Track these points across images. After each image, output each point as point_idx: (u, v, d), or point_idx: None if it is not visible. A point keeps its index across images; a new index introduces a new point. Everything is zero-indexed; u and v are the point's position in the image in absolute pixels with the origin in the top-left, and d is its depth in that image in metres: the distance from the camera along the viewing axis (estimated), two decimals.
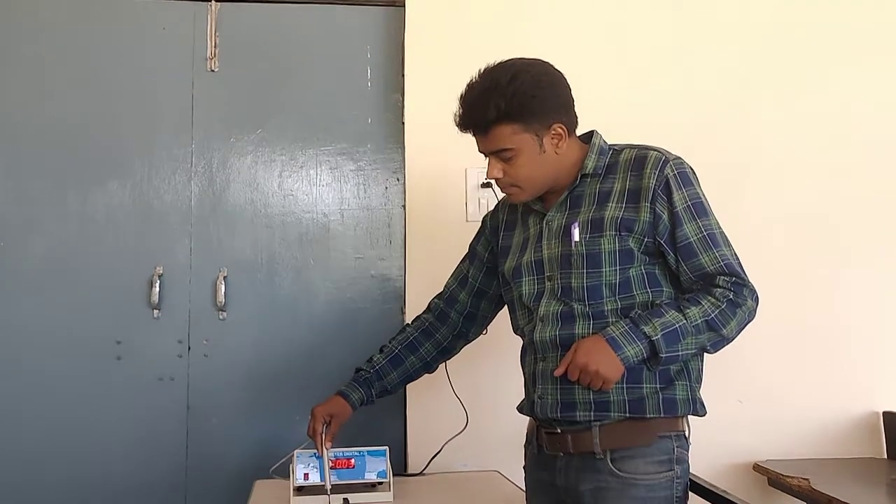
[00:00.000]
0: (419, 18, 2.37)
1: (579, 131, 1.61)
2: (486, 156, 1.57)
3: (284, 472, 1.84)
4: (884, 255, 2.40)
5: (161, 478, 2.27)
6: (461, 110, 1.54)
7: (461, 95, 1.54)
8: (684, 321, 1.45)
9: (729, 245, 1.51)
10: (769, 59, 2.43)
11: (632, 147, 1.58)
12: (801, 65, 2.44)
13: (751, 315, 1.50)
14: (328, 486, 1.72)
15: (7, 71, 2.34)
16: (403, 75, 2.39)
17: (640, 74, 2.39)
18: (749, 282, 1.50)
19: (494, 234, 1.75)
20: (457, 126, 1.55)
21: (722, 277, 1.48)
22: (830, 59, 2.44)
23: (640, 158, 1.54)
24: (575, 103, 1.57)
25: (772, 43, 2.43)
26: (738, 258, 1.51)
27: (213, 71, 2.39)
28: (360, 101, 2.42)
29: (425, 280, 2.21)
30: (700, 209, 1.50)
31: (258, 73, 2.40)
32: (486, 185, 2.31)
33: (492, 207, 1.85)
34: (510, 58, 1.54)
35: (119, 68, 2.37)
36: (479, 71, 1.53)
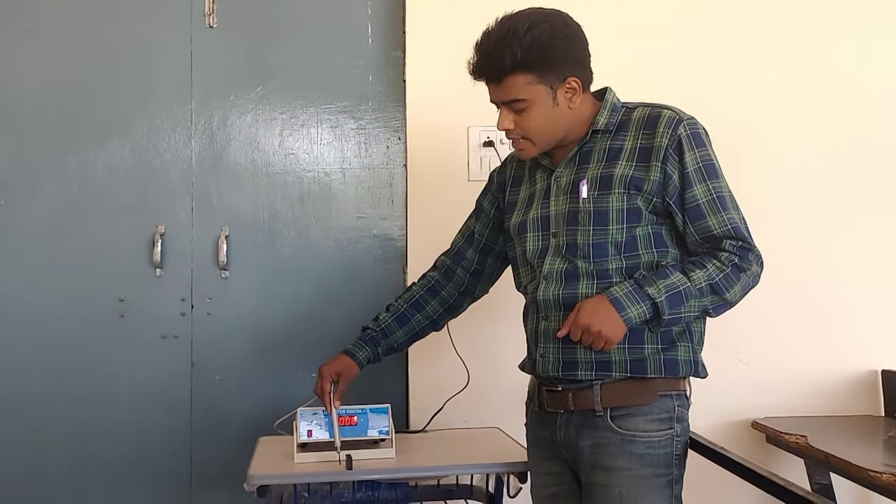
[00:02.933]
0: None
1: (592, 89, 1.59)
2: (497, 106, 1.55)
3: (288, 427, 1.86)
4: (884, 216, 2.39)
5: (165, 434, 2.30)
6: (476, 57, 1.51)
7: (476, 42, 1.51)
8: (688, 284, 1.45)
9: (737, 209, 1.51)
10: (774, 21, 2.39)
11: (645, 105, 1.56)
12: (807, 27, 2.40)
13: (755, 280, 1.50)
14: (338, 444, 1.73)
15: (5, 31, 2.31)
16: (404, 31, 2.35)
17: (644, 34, 2.35)
18: (755, 247, 1.49)
19: (501, 189, 1.74)
20: (470, 74, 1.52)
21: (728, 241, 1.48)
22: (836, 22, 2.40)
23: (653, 117, 1.52)
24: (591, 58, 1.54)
25: (777, 5, 2.39)
26: (745, 222, 1.50)
27: (211, 27, 2.35)
28: (360, 58, 2.39)
29: (427, 239, 2.21)
30: (711, 171, 1.49)
31: (257, 30, 2.37)
32: (489, 144, 2.29)
33: (494, 166, 1.84)
34: (529, 7, 1.51)
35: (117, 25, 2.33)
36: (497, 19, 1.50)
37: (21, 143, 2.31)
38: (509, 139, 1.58)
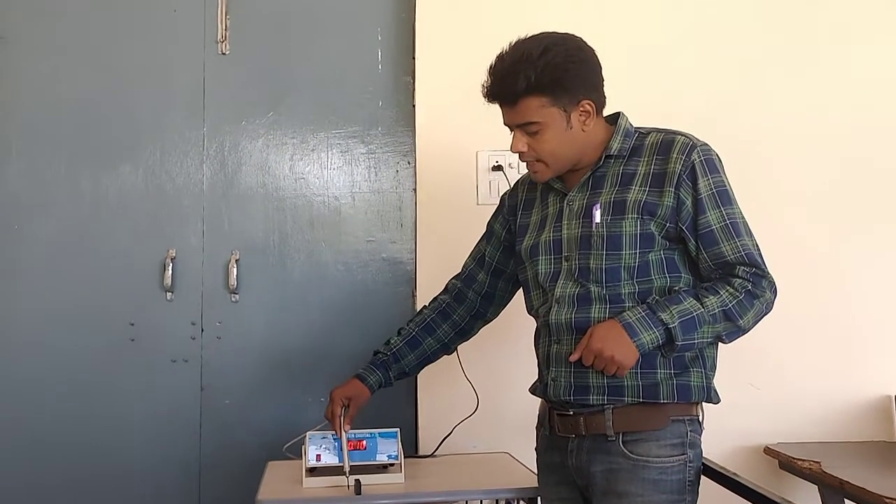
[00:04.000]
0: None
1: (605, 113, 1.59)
2: (511, 129, 1.55)
3: (297, 451, 1.85)
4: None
5: (175, 457, 2.29)
6: (490, 80, 1.52)
7: (490, 66, 1.52)
8: (702, 310, 1.44)
9: (751, 235, 1.50)
10: (785, 35, 2.40)
11: (658, 131, 1.57)
12: (812, 43, 2.41)
13: (768, 307, 1.49)
14: (347, 468, 1.72)
15: (21, 55, 2.35)
16: (414, 57, 2.38)
17: (654, 53, 2.37)
18: (769, 273, 1.49)
19: (513, 212, 1.74)
20: (484, 97, 1.53)
21: (742, 267, 1.47)
22: (842, 38, 2.41)
23: (666, 143, 1.52)
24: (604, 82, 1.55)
25: (788, 19, 2.40)
26: (759, 249, 1.50)
27: (223, 54, 2.38)
28: (370, 84, 2.41)
29: (436, 263, 2.22)
30: (724, 197, 1.49)
31: (269, 56, 2.40)
32: (497, 168, 2.30)
33: (503, 191, 1.84)
34: (543, 31, 1.52)
35: (130, 51, 2.37)
36: (511, 43, 1.51)
37: (35, 165, 2.33)
38: (523, 161, 1.58)
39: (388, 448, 1.82)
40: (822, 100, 2.40)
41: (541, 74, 1.46)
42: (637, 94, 2.25)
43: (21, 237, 2.31)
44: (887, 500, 1.72)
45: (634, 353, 1.44)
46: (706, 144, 1.53)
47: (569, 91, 1.49)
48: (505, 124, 1.56)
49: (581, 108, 1.51)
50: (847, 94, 2.40)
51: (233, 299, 2.34)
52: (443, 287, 1.86)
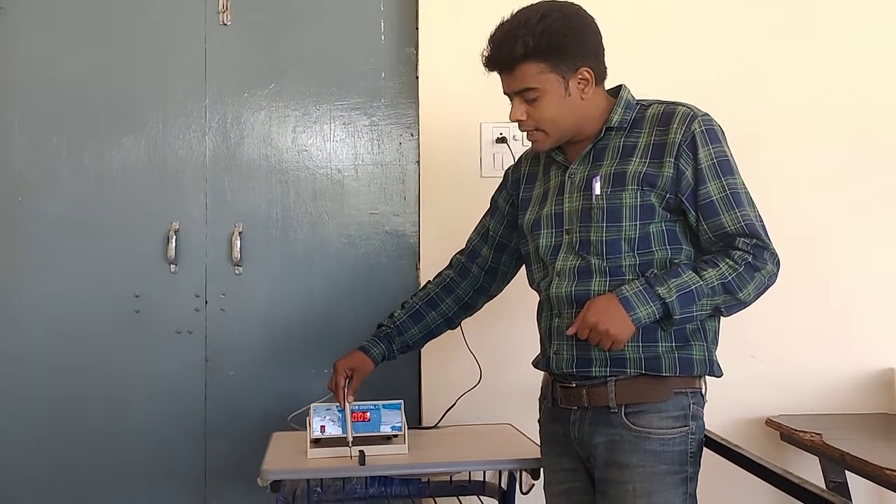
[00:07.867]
0: None
1: (607, 86, 1.58)
2: (510, 97, 1.55)
3: (301, 422, 1.86)
4: None
5: (180, 429, 2.31)
6: (488, 48, 1.51)
7: (490, 34, 1.51)
8: (700, 283, 1.44)
9: (753, 206, 1.49)
10: (787, 11, 2.37)
11: (660, 103, 1.55)
12: (821, 17, 2.37)
13: (770, 279, 1.48)
14: (350, 439, 1.74)
15: (21, 28, 2.33)
16: (417, 28, 2.35)
17: (655, 30, 2.34)
18: (771, 245, 1.47)
19: (516, 186, 1.74)
20: (484, 65, 1.53)
21: (742, 239, 1.46)
22: (851, 10, 2.38)
23: (667, 113, 1.51)
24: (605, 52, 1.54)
25: None
26: (761, 220, 1.48)
27: (225, 24, 2.36)
28: (373, 55, 2.39)
29: (439, 236, 2.22)
30: (725, 167, 1.48)
31: (270, 27, 2.38)
32: (501, 141, 2.29)
33: (507, 163, 1.84)
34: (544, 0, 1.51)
35: (131, 23, 2.35)
36: (512, 11, 1.51)
37: (38, 140, 2.33)
38: (522, 131, 1.58)
39: (391, 419, 1.83)
40: (828, 74, 2.36)
41: (538, 40, 1.45)
42: (636, 72, 2.24)
43: (25, 212, 2.31)
44: (888, 472, 1.73)
45: (629, 328, 1.43)
46: (707, 115, 1.51)
47: (567, 57, 1.48)
48: (504, 93, 1.55)
49: (580, 76, 1.50)
50: (856, 65, 2.37)
51: (236, 272, 2.34)
52: (446, 259, 1.86)
